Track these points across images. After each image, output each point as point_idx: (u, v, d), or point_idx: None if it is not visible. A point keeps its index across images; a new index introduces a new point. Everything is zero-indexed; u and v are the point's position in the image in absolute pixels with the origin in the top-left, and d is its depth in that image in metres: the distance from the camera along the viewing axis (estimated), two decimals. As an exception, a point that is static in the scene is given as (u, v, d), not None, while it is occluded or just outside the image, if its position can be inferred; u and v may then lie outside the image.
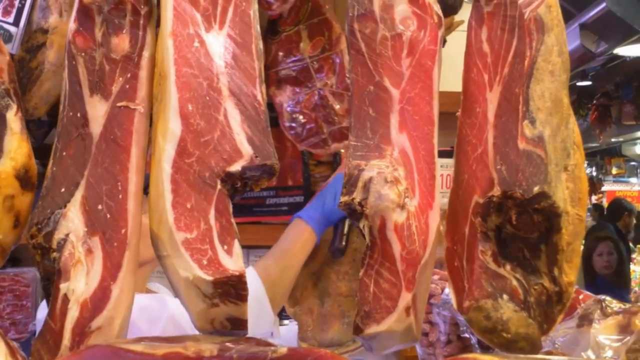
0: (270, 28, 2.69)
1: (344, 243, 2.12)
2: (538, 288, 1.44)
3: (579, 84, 9.02)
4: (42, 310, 2.49)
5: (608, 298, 1.82)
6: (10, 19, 1.84)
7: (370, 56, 1.45)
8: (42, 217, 1.37)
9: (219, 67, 1.39)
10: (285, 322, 3.39)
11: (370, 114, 1.43)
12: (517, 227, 1.42)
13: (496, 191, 1.40)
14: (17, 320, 3.46)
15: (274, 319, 2.09)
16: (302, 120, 2.74)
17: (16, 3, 1.86)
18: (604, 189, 13.24)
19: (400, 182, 1.38)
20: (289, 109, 2.77)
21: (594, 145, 12.54)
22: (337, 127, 2.70)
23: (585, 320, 1.77)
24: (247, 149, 1.36)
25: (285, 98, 2.77)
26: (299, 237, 2.12)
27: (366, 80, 1.45)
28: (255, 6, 1.46)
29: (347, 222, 2.11)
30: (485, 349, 2.13)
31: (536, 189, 1.38)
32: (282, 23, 2.73)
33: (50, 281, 1.39)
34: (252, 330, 1.95)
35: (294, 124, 2.75)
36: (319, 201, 2.16)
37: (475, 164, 1.45)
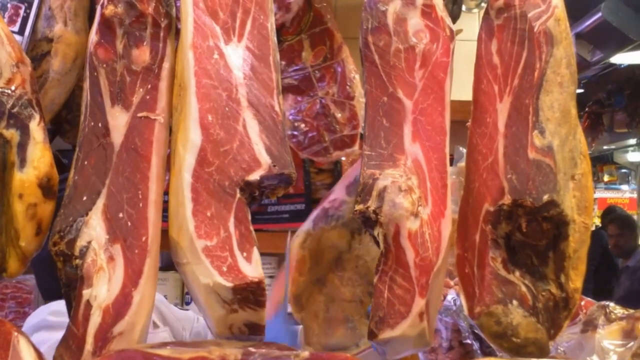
0: (273, 37, 2.71)
1: None
2: (546, 294, 1.47)
3: (572, 91, 9.02)
4: (33, 318, 2.49)
5: (611, 304, 1.86)
6: (16, 28, 1.86)
7: (384, 68, 1.49)
8: (65, 224, 1.40)
9: (238, 79, 1.42)
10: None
11: (384, 124, 1.46)
12: (527, 234, 1.46)
13: (507, 199, 1.44)
14: (20, 327, 3.48)
15: None
16: (304, 129, 2.76)
17: (21, 12, 1.88)
18: (595, 196, 13.29)
19: (413, 191, 1.41)
20: (291, 117, 2.80)
21: (585, 152, 12.54)
22: (338, 135, 2.74)
23: (590, 325, 1.80)
24: (265, 159, 1.39)
25: (287, 107, 2.79)
26: None
27: (380, 92, 1.48)
28: (273, 19, 1.50)
29: None
30: (486, 356, 2.16)
31: (546, 197, 1.42)
32: (284, 32, 2.76)
33: (71, 288, 1.42)
34: None
35: (295, 132, 2.78)
36: None
37: (485, 173, 1.48)
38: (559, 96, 1.47)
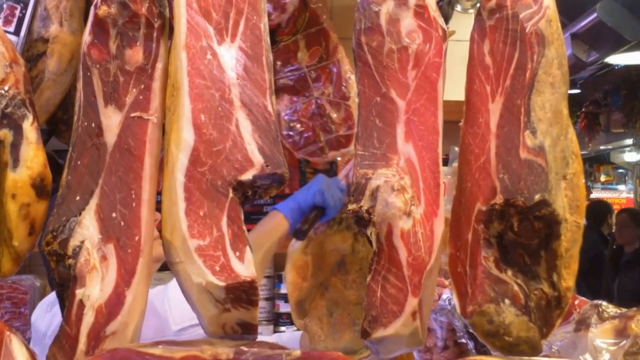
0: (268, 38, 2.71)
1: (306, 226, 2.23)
2: (538, 293, 1.47)
3: (568, 91, 9.00)
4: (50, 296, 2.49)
5: (604, 303, 1.86)
6: (11, 29, 1.86)
7: (377, 68, 1.49)
8: (58, 224, 1.40)
9: (230, 79, 1.43)
10: (282, 328, 3.42)
11: (377, 124, 1.47)
12: (519, 233, 1.46)
13: (498, 199, 1.44)
14: (15, 328, 3.47)
15: None
16: (300, 129, 2.77)
17: (17, 12, 1.88)
18: (592, 196, 13.31)
19: (406, 191, 1.42)
20: (286, 117, 2.81)
21: (582, 152, 12.49)
22: (334, 135, 2.74)
23: (583, 324, 1.81)
24: (258, 158, 1.40)
25: (282, 107, 2.80)
26: (269, 223, 2.26)
27: (373, 92, 1.49)
28: (266, 19, 1.50)
29: (315, 211, 2.25)
30: (481, 355, 2.17)
31: (537, 197, 1.42)
32: (280, 33, 2.76)
33: (65, 287, 1.42)
34: None
35: (291, 133, 2.78)
36: (294, 195, 2.32)
37: (478, 173, 1.49)
38: (550, 96, 1.47)
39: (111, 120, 1.45)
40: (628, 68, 7.69)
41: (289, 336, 2.70)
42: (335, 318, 2.24)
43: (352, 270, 2.28)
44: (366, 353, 2.15)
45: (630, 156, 13.35)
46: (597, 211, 8.83)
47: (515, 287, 1.46)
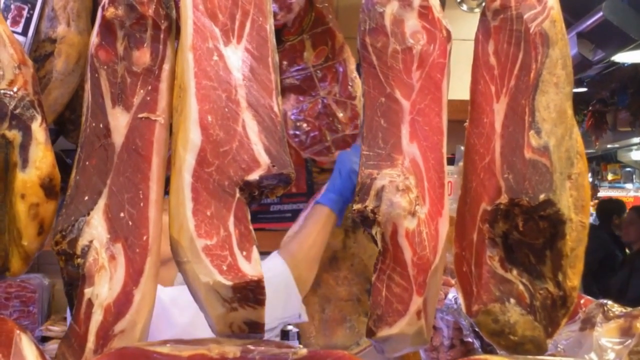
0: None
1: None
2: (543, 292, 1.48)
3: (575, 90, 8.95)
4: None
5: (610, 302, 1.87)
6: (19, 29, 1.87)
7: (382, 69, 1.50)
8: (67, 224, 1.42)
9: (237, 80, 1.44)
10: (289, 327, 3.43)
11: (382, 125, 1.48)
12: (524, 233, 1.47)
13: (503, 199, 1.45)
14: (24, 326, 3.49)
15: (301, 301, 2.12)
16: (306, 128, 2.78)
17: (24, 13, 1.89)
18: (599, 194, 13.27)
19: (411, 190, 1.43)
20: (293, 117, 2.81)
21: (589, 151, 12.53)
22: (340, 134, 2.75)
23: (588, 323, 1.81)
24: (264, 159, 1.41)
25: (289, 106, 2.81)
26: (318, 218, 2.18)
27: (378, 92, 1.50)
28: (272, 21, 1.51)
29: None
30: (487, 353, 2.17)
31: (542, 196, 1.43)
32: (286, 33, 2.77)
33: (73, 286, 1.44)
34: (281, 313, 1.98)
35: (297, 132, 2.79)
36: (331, 183, 2.24)
37: (482, 173, 1.50)
38: (554, 96, 1.48)
39: (119, 121, 1.46)
40: (635, 66, 7.66)
41: None
42: (327, 314, 2.24)
43: (344, 267, 2.28)
44: (356, 349, 2.15)
45: (637, 154, 13.32)
46: (609, 210, 8.77)
47: (521, 287, 1.47)
